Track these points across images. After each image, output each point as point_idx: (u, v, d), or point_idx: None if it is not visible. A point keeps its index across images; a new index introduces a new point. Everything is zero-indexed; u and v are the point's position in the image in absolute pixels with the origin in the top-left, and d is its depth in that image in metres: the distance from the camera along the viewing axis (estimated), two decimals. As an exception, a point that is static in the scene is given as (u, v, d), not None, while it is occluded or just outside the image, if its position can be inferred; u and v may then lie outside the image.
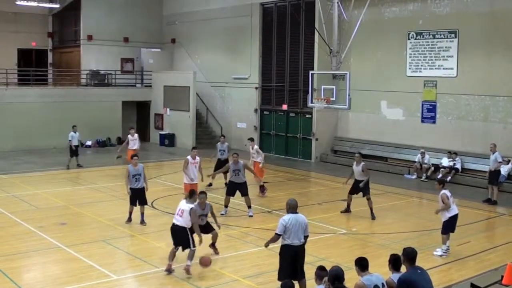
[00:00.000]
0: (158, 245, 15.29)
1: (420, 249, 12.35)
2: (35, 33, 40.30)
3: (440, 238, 15.23)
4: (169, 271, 13.00)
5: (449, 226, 14.78)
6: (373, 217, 18.43)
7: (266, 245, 11.71)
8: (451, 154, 25.35)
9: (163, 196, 21.19)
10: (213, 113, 37.17)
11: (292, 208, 11.08)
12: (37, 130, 32.42)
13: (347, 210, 19.17)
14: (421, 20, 27.02)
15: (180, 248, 13.08)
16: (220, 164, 22.01)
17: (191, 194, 13.20)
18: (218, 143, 23.62)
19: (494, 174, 21.48)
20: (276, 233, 11.07)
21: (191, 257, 12.89)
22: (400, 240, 15.88)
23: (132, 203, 17.28)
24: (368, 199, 18.55)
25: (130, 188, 17.11)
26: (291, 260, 10.97)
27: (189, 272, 12.79)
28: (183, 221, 12.81)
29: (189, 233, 12.82)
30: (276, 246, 14.44)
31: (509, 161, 23.27)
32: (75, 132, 27.22)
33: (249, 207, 18.49)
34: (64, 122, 32.49)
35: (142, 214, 17.36)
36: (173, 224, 13.05)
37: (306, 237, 11.10)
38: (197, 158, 19.00)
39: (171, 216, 18.11)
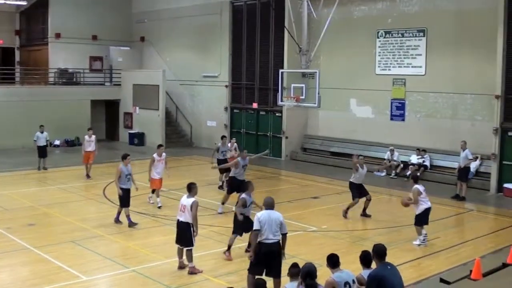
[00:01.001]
0: (128, 245, 15.20)
1: (390, 245, 12.44)
2: (2, 31, 39.72)
3: (411, 233, 15.43)
4: (182, 267, 13.06)
5: (422, 218, 15.23)
6: (366, 215, 18.45)
7: (251, 257, 11.22)
8: (420, 151, 25.58)
9: (133, 195, 20.93)
10: (183, 111, 37.05)
11: (266, 205, 11.27)
12: (4, 130, 31.87)
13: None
14: (390, 19, 27.22)
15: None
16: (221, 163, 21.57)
17: (190, 188, 12.97)
18: (219, 144, 23.21)
19: (464, 171, 21.74)
20: (253, 230, 11.15)
21: (190, 258, 12.87)
22: (370, 237, 16.00)
23: (125, 204, 17.06)
24: (370, 199, 18.48)
25: (122, 189, 16.96)
26: (265, 257, 11.00)
27: (195, 272, 12.82)
28: (187, 216, 12.71)
29: (192, 229, 12.73)
30: (246, 244, 14.49)
31: (476, 157, 23.55)
32: (41, 132, 26.47)
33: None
34: (32, 122, 31.99)
35: (119, 213, 17.25)
36: (178, 220, 12.97)
37: (284, 235, 11.15)
38: (163, 155, 19.67)
39: (141, 215, 18.16)
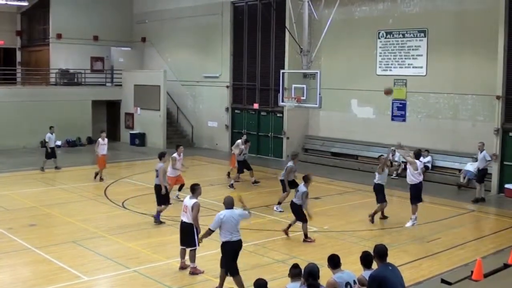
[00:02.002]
0: (129, 246, 15.20)
1: (391, 245, 12.47)
2: (3, 31, 39.75)
3: (411, 233, 15.42)
4: (183, 268, 13.15)
5: (416, 195, 17.06)
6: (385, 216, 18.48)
7: (200, 241, 12.44)
8: (423, 151, 25.47)
9: (134, 196, 21.09)
10: (184, 112, 37.06)
11: (227, 204, 11.78)
12: (5, 130, 31.93)
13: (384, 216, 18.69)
14: (391, 19, 27.21)
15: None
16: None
17: (194, 189, 13.02)
18: (242, 146, 23.88)
19: (482, 173, 21.56)
20: (209, 228, 11.79)
21: (193, 258, 12.95)
22: (371, 237, 16.01)
23: (166, 202, 17.48)
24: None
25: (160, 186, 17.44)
26: (234, 255, 11.67)
27: (197, 273, 12.94)
28: (189, 217, 12.78)
29: (195, 230, 12.80)
30: (247, 244, 14.52)
31: (477, 158, 23.49)
32: (52, 134, 26.44)
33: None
34: (33, 122, 32.21)
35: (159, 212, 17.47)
36: (181, 221, 13.09)
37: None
38: (182, 155, 20.68)
39: (142, 216, 18.17)
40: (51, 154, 26.48)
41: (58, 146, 33.59)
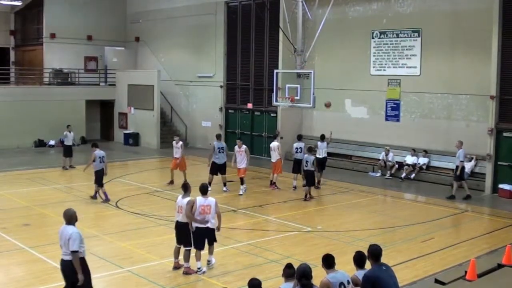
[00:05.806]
0: (122, 245, 15.16)
1: (385, 245, 12.47)
2: (-4, 31, 39.72)
3: (405, 234, 15.37)
4: (177, 268, 13.06)
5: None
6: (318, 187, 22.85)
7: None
8: (424, 152, 25.49)
9: (128, 195, 21.04)
10: (178, 112, 37.02)
11: (65, 218, 10.85)
12: (-1, 130, 31.90)
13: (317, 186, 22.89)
14: (385, 19, 27.22)
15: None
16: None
17: (185, 188, 13.03)
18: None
19: (457, 170, 21.58)
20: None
21: (187, 258, 12.87)
22: (365, 237, 16.00)
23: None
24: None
25: None
26: (62, 275, 10.63)
27: (190, 273, 12.83)
28: (184, 216, 12.74)
29: (190, 229, 12.78)
30: (241, 244, 14.51)
31: (471, 158, 23.56)
32: (69, 132, 27.28)
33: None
34: (27, 122, 32.15)
35: None
36: (176, 221, 13.05)
37: (73, 253, 10.36)
38: (243, 147, 22.73)
39: (135, 216, 18.13)
40: (67, 152, 26.94)
41: (52, 146, 33.64)
